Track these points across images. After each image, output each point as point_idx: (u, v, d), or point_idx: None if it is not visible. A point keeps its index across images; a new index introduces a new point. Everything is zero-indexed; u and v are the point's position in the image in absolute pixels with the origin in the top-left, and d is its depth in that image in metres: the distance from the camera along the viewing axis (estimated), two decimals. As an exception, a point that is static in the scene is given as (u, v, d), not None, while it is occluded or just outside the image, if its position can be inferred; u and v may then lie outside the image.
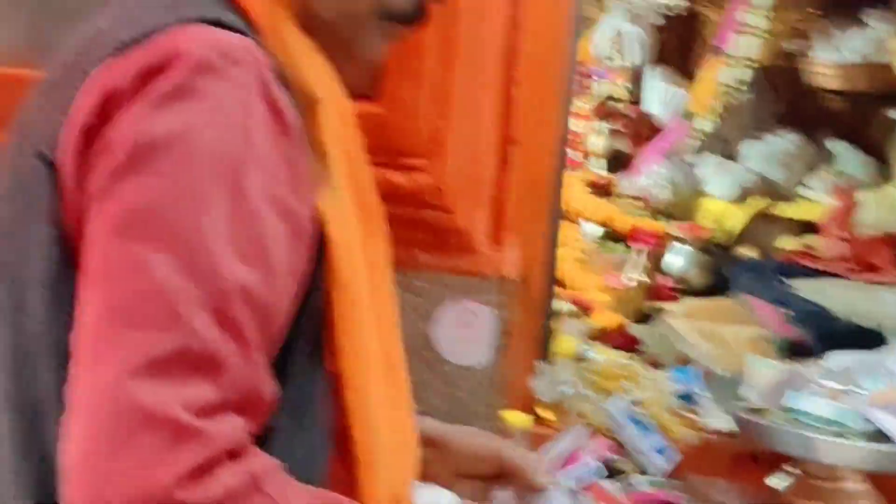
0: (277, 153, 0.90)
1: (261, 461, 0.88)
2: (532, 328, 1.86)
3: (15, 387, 0.93)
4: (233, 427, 0.86)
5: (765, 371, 1.82)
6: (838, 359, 1.93)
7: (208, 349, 0.85)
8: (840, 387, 1.75)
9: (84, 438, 0.84)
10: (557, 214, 1.99)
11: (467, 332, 1.70)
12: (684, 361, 2.59)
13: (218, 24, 0.92)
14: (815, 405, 1.67)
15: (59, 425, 0.87)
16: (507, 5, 1.73)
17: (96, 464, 0.83)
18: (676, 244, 3.87)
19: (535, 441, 1.76)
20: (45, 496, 0.91)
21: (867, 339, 2.77)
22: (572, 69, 1.95)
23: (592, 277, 3.37)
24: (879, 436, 1.65)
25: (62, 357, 0.89)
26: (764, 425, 1.72)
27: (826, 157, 4.41)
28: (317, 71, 0.97)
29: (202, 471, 0.83)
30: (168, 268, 0.85)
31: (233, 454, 0.85)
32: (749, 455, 1.84)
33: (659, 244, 3.81)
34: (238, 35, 0.92)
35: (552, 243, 1.97)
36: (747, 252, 4.02)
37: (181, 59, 0.88)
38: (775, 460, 1.78)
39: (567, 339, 2.02)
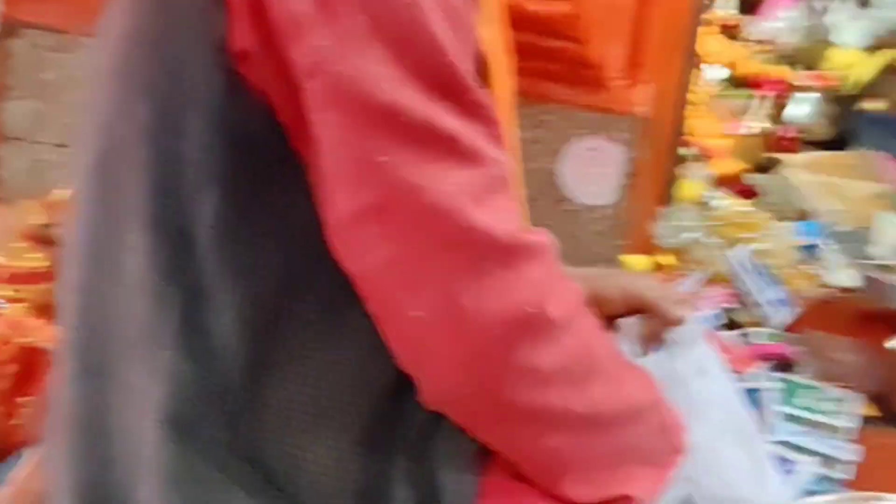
0: None
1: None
2: (659, 171, 1.81)
3: (164, 212, 0.90)
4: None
5: (893, 228, 1.76)
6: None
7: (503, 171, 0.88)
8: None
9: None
10: (692, 56, 1.91)
11: (594, 171, 1.66)
12: (802, 215, 2.52)
13: None
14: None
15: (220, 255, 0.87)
16: None
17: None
18: (801, 93, 3.75)
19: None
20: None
21: None
22: None
23: (714, 123, 3.28)
24: None
25: (225, 185, 0.87)
26: (887, 282, 1.67)
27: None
28: None
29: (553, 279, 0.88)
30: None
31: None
32: (872, 313, 1.80)
33: (783, 92, 3.70)
34: None
35: (685, 85, 1.90)
36: (875, 105, 3.88)
37: None
38: (900, 321, 1.73)
39: (691, 184, 1.97)
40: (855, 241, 1.85)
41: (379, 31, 0.82)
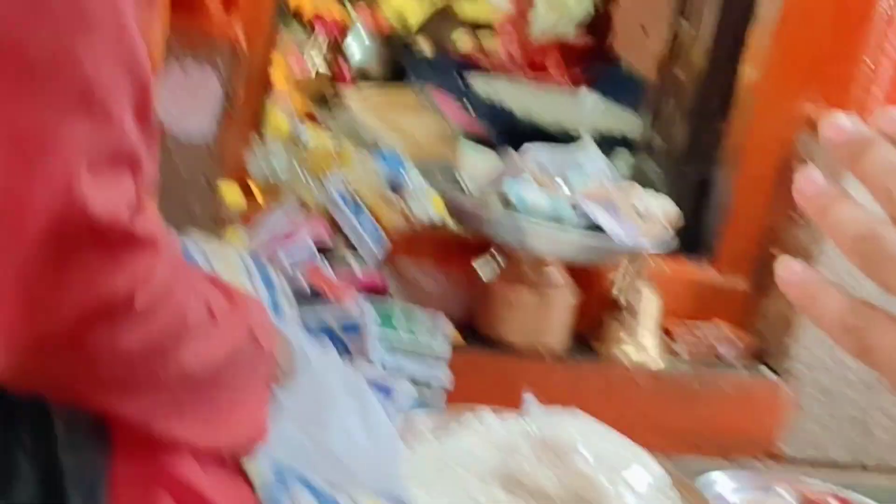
0: None
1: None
2: (252, 103, 1.78)
3: None
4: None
5: (480, 159, 1.85)
6: (535, 154, 1.98)
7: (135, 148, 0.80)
8: (549, 180, 1.81)
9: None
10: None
11: (191, 101, 1.60)
12: (371, 147, 2.59)
13: None
14: (533, 195, 1.71)
15: None
16: None
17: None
18: (358, 31, 3.84)
19: (249, 218, 1.73)
20: None
21: (545, 138, 2.89)
22: None
23: (278, 59, 3.28)
24: (591, 228, 1.73)
25: None
26: (481, 213, 1.75)
27: (508, -41, 4.48)
28: None
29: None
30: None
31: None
32: (459, 242, 1.88)
33: (341, 31, 3.76)
34: None
35: (276, 16, 1.88)
36: (424, 46, 4.05)
37: None
38: (485, 248, 1.83)
39: (280, 117, 1.96)
40: (439, 172, 1.92)
41: None
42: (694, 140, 2.13)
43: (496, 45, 4.11)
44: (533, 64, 3.98)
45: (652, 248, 1.76)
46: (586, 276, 1.87)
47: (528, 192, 1.72)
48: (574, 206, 1.73)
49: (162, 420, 0.92)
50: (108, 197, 0.78)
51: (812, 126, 1.90)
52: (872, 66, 1.80)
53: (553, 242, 1.69)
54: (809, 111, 1.91)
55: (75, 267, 0.78)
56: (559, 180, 1.83)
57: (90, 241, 0.78)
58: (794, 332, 1.90)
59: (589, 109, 2.93)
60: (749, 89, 2.01)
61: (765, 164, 1.97)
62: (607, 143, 2.96)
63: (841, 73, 1.87)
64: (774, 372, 1.94)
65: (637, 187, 1.90)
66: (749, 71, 2.02)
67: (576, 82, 3.98)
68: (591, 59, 4.14)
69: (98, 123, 0.78)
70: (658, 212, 1.85)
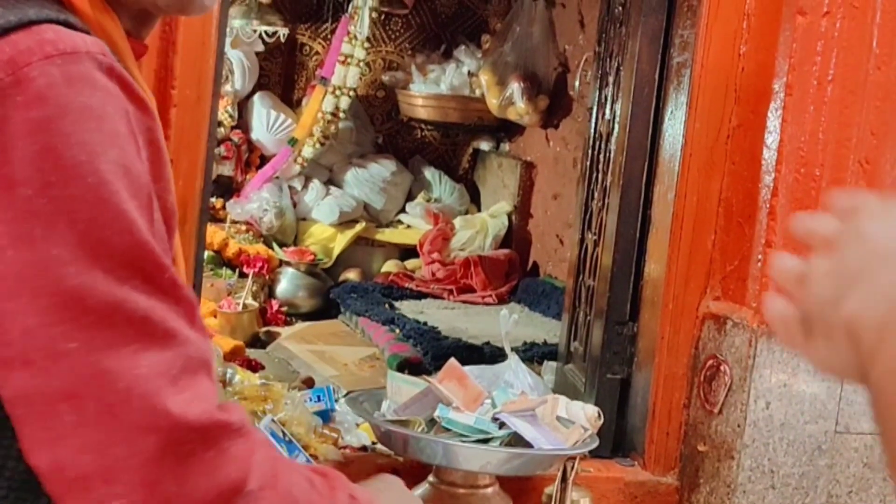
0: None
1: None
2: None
3: None
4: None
5: (405, 387, 1.91)
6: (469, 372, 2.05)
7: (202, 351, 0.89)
8: (475, 398, 1.88)
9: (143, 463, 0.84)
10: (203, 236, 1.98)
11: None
12: (308, 381, 2.65)
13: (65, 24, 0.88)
14: (458, 415, 1.78)
15: None
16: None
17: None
18: (285, 268, 3.94)
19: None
20: None
21: (472, 355, 2.97)
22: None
23: (206, 303, 3.36)
24: (515, 442, 1.78)
25: None
26: (410, 436, 1.80)
27: (423, 185, 4.66)
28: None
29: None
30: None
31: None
32: (394, 466, 1.92)
33: (268, 269, 3.87)
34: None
35: (200, 263, 1.96)
36: (351, 275, 4.16)
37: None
38: (419, 471, 1.87)
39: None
40: (367, 402, 1.98)
41: (61, 211, 0.82)
42: (609, 343, 2.22)
43: (419, 267, 4.24)
44: (456, 281, 4.11)
45: (575, 451, 1.81)
46: (521, 487, 1.91)
47: (455, 414, 1.78)
48: (498, 422, 1.79)
49: None
50: (196, 401, 0.86)
51: (717, 321, 1.99)
52: (761, 260, 1.92)
53: (480, 459, 1.74)
54: (713, 308, 2.01)
55: (194, 468, 0.86)
56: (487, 398, 1.89)
57: (199, 442, 0.86)
58: (727, 522, 1.95)
59: (512, 323, 3.02)
60: (654, 291, 2.12)
61: (678, 361, 2.06)
62: (534, 354, 3.05)
63: (735, 269, 1.98)
64: (713, 564, 1.97)
65: (560, 397, 1.96)
66: (652, 273, 2.13)
67: (500, 295, 4.11)
68: (513, 272, 4.29)
69: (164, 345, 0.86)
70: (581, 417, 1.91)
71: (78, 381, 0.83)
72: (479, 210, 4.63)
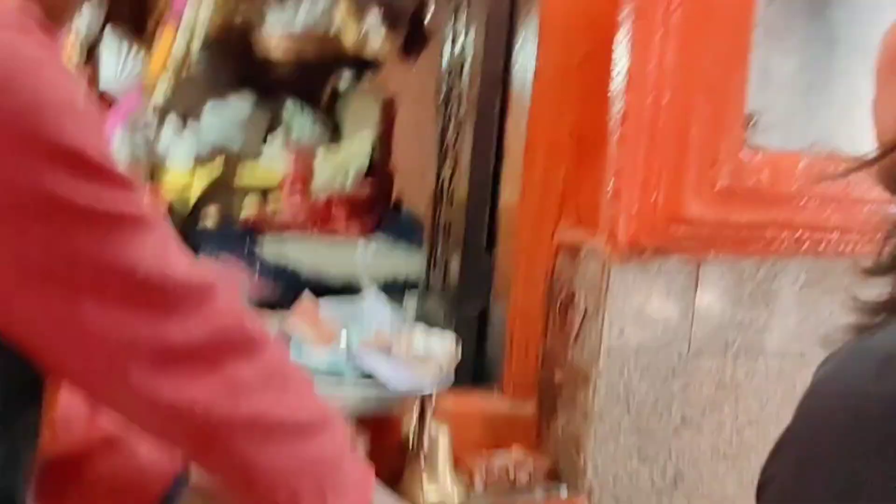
0: None
1: None
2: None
3: None
4: None
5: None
6: (322, 308, 2.02)
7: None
8: (329, 334, 1.85)
9: None
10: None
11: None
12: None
13: None
14: (310, 352, 1.75)
15: None
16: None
17: None
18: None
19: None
20: None
21: (335, 293, 2.94)
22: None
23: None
24: (371, 379, 1.77)
25: None
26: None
27: (281, 121, 4.58)
28: None
29: None
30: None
31: None
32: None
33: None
34: None
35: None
36: (211, 218, 4.07)
37: None
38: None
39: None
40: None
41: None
42: (467, 275, 2.21)
43: (280, 206, 4.18)
44: (318, 220, 4.05)
45: (431, 387, 1.81)
46: (378, 426, 1.90)
47: (305, 350, 1.75)
48: (351, 359, 1.77)
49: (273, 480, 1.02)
50: (184, 264, 0.96)
51: (570, 250, 2.00)
52: (612, 190, 1.92)
53: (332, 397, 1.71)
54: (566, 237, 2.02)
55: (195, 318, 0.95)
56: (342, 333, 1.87)
57: (193, 297, 0.95)
58: (585, 450, 1.97)
59: (373, 258, 2.99)
60: (509, 223, 2.11)
61: (534, 291, 2.06)
62: (397, 289, 3.04)
63: (588, 198, 1.99)
64: (571, 490, 2.00)
65: (418, 330, 1.95)
66: (506, 205, 2.12)
67: (363, 232, 4.07)
68: (376, 207, 4.25)
69: (146, 230, 0.93)
70: (439, 350, 1.91)
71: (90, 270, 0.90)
72: (340, 147, 4.58)
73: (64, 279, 0.89)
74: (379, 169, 4.45)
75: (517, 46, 2.12)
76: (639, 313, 1.93)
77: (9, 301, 0.89)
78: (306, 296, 1.90)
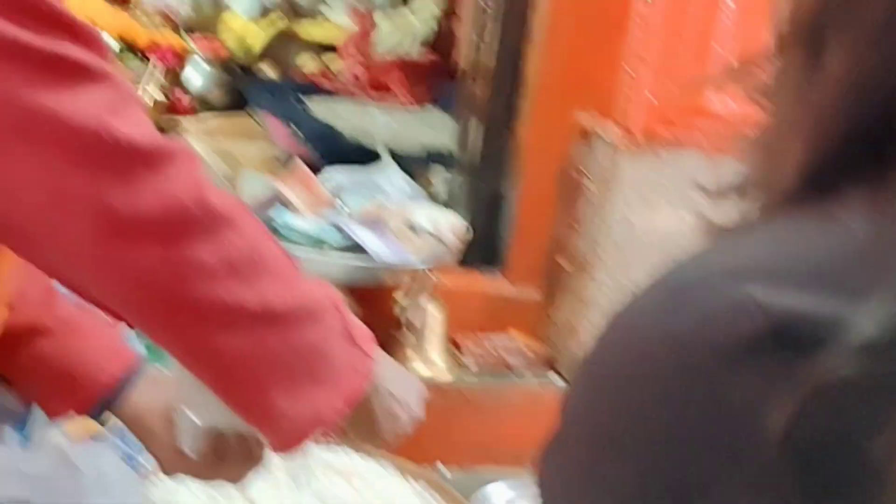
0: None
1: None
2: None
3: None
4: None
5: (254, 186, 1.85)
6: (334, 175, 2.00)
7: None
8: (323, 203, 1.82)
9: None
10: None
11: None
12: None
13: None
14: (298, 220, 1.72)
15: None
16: None
17: None
18: (197, 60, 3.82)
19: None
20: None
21: (367, 157, 2.90)
22: None
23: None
24: (358, 250, 1.74)
25: None
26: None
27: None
28: None
29: None
30: None
31: None
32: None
33: (179, 61, 3.75)
34: None
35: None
36: (268, 71, 4.04)
37: None
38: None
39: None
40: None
41: None
42: (487, 153, 2.16)
43: (341, 67, 4.12)
44: (377, 84, 4.00)
45: (423, 262, 1.78)
46: (369, 297, 1.88)
47: (293, 218, 1.73)
48: (339, 229, 1.74)
49: (239, 371, 0.95)
50: (140, 126, 0.89)
51: (586, 136, 1.93)
52: (633, 74, 1.84)
53: (315, 266, 1.69)
54: (582, 120, 1.95)
55: (142, 186, 0.87)
56: (338, 202, 1.84)
57: (142, 162, 0.87)
58: (580, 339, 1.94)
59: (420, 128, 2.95)
60: (528, 101, 2.05)
61: (546, 175, 2.01)
62: (432, 160, 2.99)
63: (605, 82, 1.91)
64: (565, 379, 1.97)
65: (423, 205, 1.92)
66: (529, 83, 2.05)
67: (421, 101, 4.01)
68: (436, 76, 4.17)
69: (100, 84, 0.88)
70: (445, 227, 1.87)
71: (23, 119, 0.85)
72: (401, 12, 4.49)
73: None
74: (444, 38, 4.36)
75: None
76: (646, 205, 1.87)
77: None
78: (297, 159, 1.86)
